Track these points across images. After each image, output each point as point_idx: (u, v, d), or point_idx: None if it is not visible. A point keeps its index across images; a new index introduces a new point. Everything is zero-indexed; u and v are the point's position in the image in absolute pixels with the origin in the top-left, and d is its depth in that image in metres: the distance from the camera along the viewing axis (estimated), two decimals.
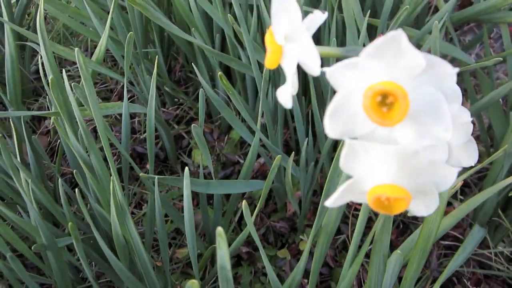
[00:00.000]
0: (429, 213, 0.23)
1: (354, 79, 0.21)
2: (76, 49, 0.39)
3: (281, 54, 0.23)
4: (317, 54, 0.21)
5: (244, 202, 0.38)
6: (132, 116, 0.94)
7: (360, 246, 0.46)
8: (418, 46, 0.71)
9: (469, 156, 0.27)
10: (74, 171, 0.51)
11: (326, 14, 0.23)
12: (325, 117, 0.22)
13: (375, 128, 0.22)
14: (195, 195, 0.83)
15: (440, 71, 0.20)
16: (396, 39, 0.20)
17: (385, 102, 0.21)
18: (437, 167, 0.22)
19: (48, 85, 0.50)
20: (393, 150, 0.21)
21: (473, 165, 0.27)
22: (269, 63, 0.24)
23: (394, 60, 0.20)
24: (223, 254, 0.31)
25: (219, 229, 0.30)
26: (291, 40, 0.23)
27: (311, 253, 0.55)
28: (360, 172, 0.22)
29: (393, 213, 0.23)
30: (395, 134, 0.22)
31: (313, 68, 0.22)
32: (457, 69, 0.20)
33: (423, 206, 0.23)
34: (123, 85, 0.68)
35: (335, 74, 0.21)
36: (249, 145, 0.70)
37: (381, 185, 0.22)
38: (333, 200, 0.23)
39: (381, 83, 0.20)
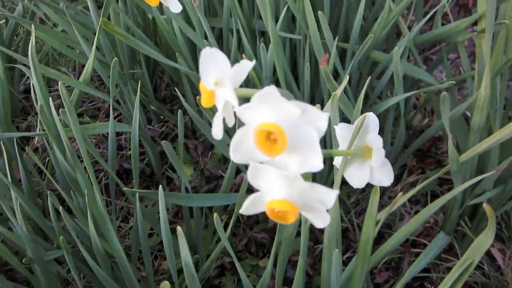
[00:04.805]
0: (325, 225, 0.29)
1: (251, 119, 0.27)
2: (60, 82, 0.42)
3: (213, 96, 0.30)
4: (235, 98, 0.28)
5: (215, 215, 0.42)
6: (120, 133, 0.98)
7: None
8: (386, 68, 0.76)
9: (387, 176, 0.33)
10: (59, 187, 0.54)
11: (254, 62, 0.30)
12: (230, 148, 0.28)
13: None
14: (179, 209, 0.86)
15: (313, 115, 0.26)
16: (270, 93, 0.26)
17: (270, 138, 0.27)
18: (317, 189, 0.28)
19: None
20: (281, 173, 0.27)
21: (389, 184, 0.32)
22: (205, 104, 0.30)
23: (275, 107, 0.26)
24: (184, 251, 0.35)
25: (178, 228, 0.34)
26: (219, 85, 0.29)
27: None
28: (263, 187, 0.28)
29: (287, 222, 0.29)
30: (286, 161, 0.28)
31: (235, 108, 0.28)
32: (327, 114, 0.26)
33: (319, 220, 0.29)
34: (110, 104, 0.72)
35: (241, 114, 0.27)
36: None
37: (275, 200, 0.28)
38: (244, 208, 0.29)
39: (264, 124, 0.27)
